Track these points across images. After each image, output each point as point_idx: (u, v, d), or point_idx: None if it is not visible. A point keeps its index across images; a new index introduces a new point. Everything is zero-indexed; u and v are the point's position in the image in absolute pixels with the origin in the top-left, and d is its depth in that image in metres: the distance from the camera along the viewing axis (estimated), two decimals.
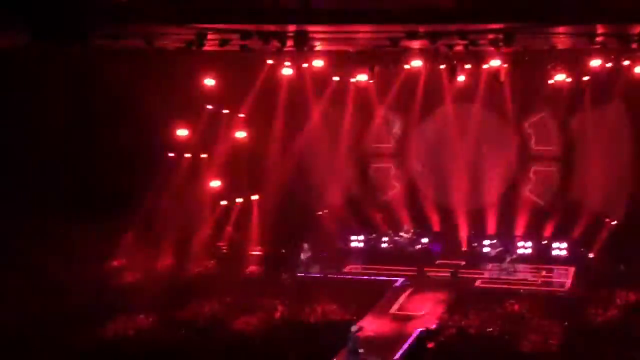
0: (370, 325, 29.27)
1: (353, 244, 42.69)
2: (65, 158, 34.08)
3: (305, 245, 38.65)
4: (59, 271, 31.67)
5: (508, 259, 38.12)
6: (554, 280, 37.32)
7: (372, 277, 37.84)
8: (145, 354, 25.94)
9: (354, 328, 26.29)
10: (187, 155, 39.19)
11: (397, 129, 43.18)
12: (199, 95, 38.08)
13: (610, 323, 29.33)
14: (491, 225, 41.74)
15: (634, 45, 30.66)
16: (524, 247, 40.43)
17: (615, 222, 39.00)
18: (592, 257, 39.15)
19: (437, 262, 40.19)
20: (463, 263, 39.80)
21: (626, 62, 33.11)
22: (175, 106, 36.99)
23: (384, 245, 42.35)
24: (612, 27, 28.80)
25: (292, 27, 29.20)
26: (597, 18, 26.41)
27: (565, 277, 37.57)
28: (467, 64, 35.95)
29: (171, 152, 38.78)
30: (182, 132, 38.46)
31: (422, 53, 34.12)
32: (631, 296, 31.75)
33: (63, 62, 31.48)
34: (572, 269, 38.31)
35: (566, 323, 28.88)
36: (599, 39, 30.31)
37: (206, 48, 30.90)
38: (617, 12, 25.58)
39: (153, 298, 31.36)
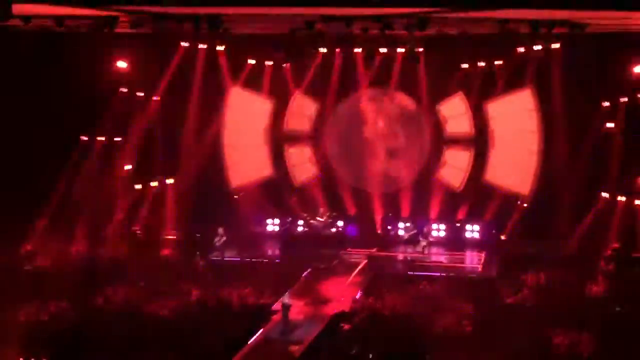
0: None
1: (269, 228, 42.72)
2: None
3: (220, 230, 38.52)
4: None
5: (423, 243, 38.57)
6: (466, 262, 37.93)
7: (288, 261, 37.87)
8: (58, 339, 25.58)
9: (286, 300, 26.60)
10: (101, 138, 38.69)
11: (312, 112, 43.18)
12: (112, 78, 37.63)
13: (522, 303, 29.89)
14: (405, 209, 42.12)
15: (544, 30, 31.31)
16: (438, 230, 40.97)
17: (526, 204, 39.67)
18: (504, 239, 39.83)
19: (353, 245, 40.41)
20: (378, 246, 40.08)
21: (537, 47, 33.64)
22: (88, 89, 36.47)
23: (299, 229, 42.46)
24: (523, 13, 29.28)
25: (206, 9, 28.99)
26: (508, 3, 26.79)
27: (477, 259, 38.23)
28: (381, 48, 36.14)
29: (84, 135, 38.24)
30: (95, 116, 37.96)
31: (337, 37, 34.24)
32: (541, 277, 32.36)
33: None
34: (484, 251, 38.97)
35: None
36: (510, 25, 30.86)
37: (118, 30, 30.57)
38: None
39: (66, 283, 30.92)
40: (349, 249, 39.57)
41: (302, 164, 43.33)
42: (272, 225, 42.80)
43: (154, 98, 40.24)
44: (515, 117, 39.90)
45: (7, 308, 28.41)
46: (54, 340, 25.61)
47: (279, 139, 43.18)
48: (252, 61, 40.47)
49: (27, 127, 34.76)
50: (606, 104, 37.71)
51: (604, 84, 36.72)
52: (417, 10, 28.82)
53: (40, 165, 35.26)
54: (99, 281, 31.88)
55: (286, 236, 42.01)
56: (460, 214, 41.45)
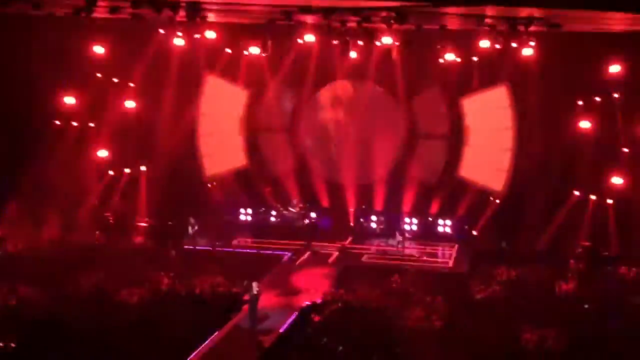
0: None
1: (241, 217, 42.69)
2: None
3: (192, 219, 38.44)
4: None
5: (397, 238, 38.63)
6: (438, 256, 38.11)
7: (260, 251, 37.87)
8: (26, 324, 25.40)
9: (255, 288, 26.62)
10: (75, 123, 38.49)
11: (288, 103, 43.17)
12: (87, 63, 37.44)
13: (492, 298, 30.04)
14: (379, 202, 42.21)
15: (521, 28, 31.43)
16: (410, 224, 41.08)
17: (498, 200, 39.85)
18: (476, 235, 40.01)
19: (325, 237, 40.48)
20: (350, 238, 40.17)
21: (514, 45, 33.75)
22: (62, 73, 36.29)
23: (272, 219, 42.47)
24: (500, 10, 29.39)
25: None
26: (487, 0, 26.90)
27: (449, 254, 38.40)
28: (359, 40, 36.14)
29: (58, 120, 38.04)
30: (69, 100, 37.83)
31: (315, 28, 34.21)
32: (512, 272, 32.55)
33: None
34: (456, 246, 39.16)
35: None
36: (487, 20, 30.96)
37: (96, 15, 30.37)
38: None
39: (37, 268, 30.73)
40: (321, 241, 39.59)
41: (277, 154, 43.28)
42: (245, 215, 42.80)
43: (130, 84, 40.04)
44: (490, 114, 40.10)
45: None
46: (22, 325, 25.42)
47: (254, 129, 43.13)
48: (229, 50, 40.34)
49: (1, 111, 34.51)
50: (580, 102, 37.89)
51: (579, 83, 36.92)
52: (395, 4, 28.84)
53: (12, 150, 35.02)
54: (70, 267, 31.68)
55: (259, 226, 41.96)
56: (433, 209, 41.57)
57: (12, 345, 23.73)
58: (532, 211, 38.00)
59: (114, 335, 24.75)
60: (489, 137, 40.28)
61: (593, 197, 37.48)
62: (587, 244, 36.06)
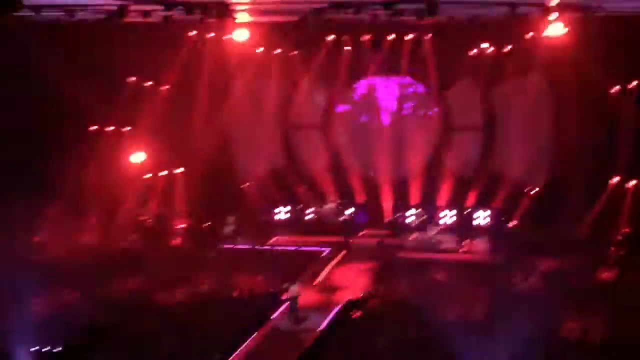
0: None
1: (278, 216, 42.74)
2: None
3: (230, 218, 38.52)
4: None
5: (434, 230, 38.47)
6: (476, 248, 37.91)
7: (298, 249, 37.88)
8: (70, 330, 25.60)
9: (294, 288, 26.68)
10: (110, 128, 38.69)
11: (321, 100, 43.15)
12: (121, 67, 37.65)
13: (532, 289, 29.84)
14: (415, 196, 42.07)
15: (554, 13, 31.10)
16: (447, 217, 40.89)
17: (535, 190, 39.57)
18: (513, 226, 39.72)
19: (362, 232, 40.46)
20: (387, 233, 40.06)
21: (547, 32, 33.44)
22: (97, 79, 36.49)
23: (309, 216, 42.47)
24: None
25: None
26: None
27: (487, 246, 38.17)
28: (390, 34, 36.07)
29: (94, 125, 38.26)
30: (104, 105, 38.01)
31: (346, 24, 34.16)
32: (552, 262, 32.32)
33: None
34: (494, 238, 38.90)
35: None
36: (520, 9, 30.73)
37: (128, 20, 30.52)
38: None
39: (77, 273, 30.94)
40: (359, 237, 39.54)
41: (311, 152, 43.27)
42: (282, 213, 42.82)
43: (163, 87, 40.21)
44: (525, 103, 39.74)
45: (19, 299, 28.43)
46: (67, 331, 25.63)
47: (288, 127, 43.14)
48: (260, 49, 40.37)
49: (38, 117, 34.78)
50: (617, 87, 37.52)
51: (616, 67, 36.48)
52: None
53: (50, 156, 35.28)
54: (109, 271, 31.90)
55: (296, 224, 41.99)
56: (470, 201, 41.37)
57: (59, 349, 23.95)
58: (571, 199, 37.66)
59: (155, 338, 24.89)
60: (524, 126, 39.92)
61: (632, 182, 37.10)
62: (627, 230, 35.70)
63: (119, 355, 23.57)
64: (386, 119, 42.52)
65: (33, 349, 23.90)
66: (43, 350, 23.92)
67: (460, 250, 37.58)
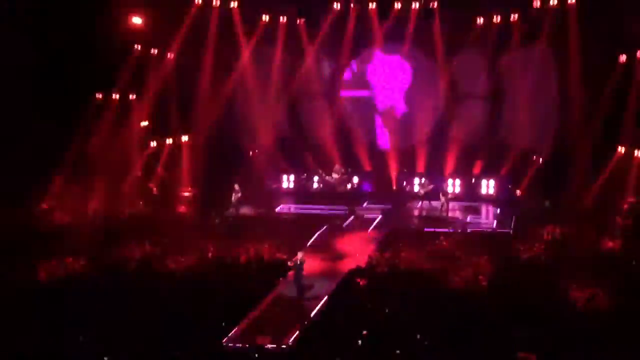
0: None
1: (284, 184, 42.79)
2: None
3: (236, 186, 38.59)
4: None
5: (441, 200, 38.48)
6: (482, 217, 37.95)
7: (303, 217, 37.92)
8: (76, 296, 25.73)
9: (299, 256, 26.74)
10: (116, 96, 38.65)
11: (327, 68, 43.05)
12: (126, 35, 37.54)
13: (538, 258, 29.89)
14: (421, 165, 42.06)
15: None
16: (453, 186, 40.90)
17: (542, 159, 39.54)
18: (520, 194, 39.73)
19: (368, 201, 40.49)
20: (393, 202, 40.10)
21: (554, 2, 33.32)
22: (102, 46, 36.38)
23: (315, 185, 42.52)
24: None
25: None
26: None
27: (493, 215, 38.22)
28: (397, 3, 35.88)
29: (99, 92, 38.21)
30: (110, 72, 37.92)
31: None
32: (557, 231, 32.36)
33: None
34: (499, 207, 38.94)
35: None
36: None
37: None
38: None
39: (83, 240, 31.04)
40: (364, 205, 39.61)
41: (317, 120, 43.22)
42: (288, 181, 42.87)
43: (169, 55, 40.12)
44: (531, 72, 39.61)
45: (25, 266, 28.59)
46: (72, 296, 25.75)
47: (294, 96, 43.07)
48: (266, 18, 40.25)
49: (43, 85, 34.72)
50: (623, 57, 37.37)
51: (620, 38, 36.33)
52: None
53: (56, 124, 35.26)
54: (116, 238, 32.02)
55: (302, 192, 42.05)
56: (476, 169, 41.37)
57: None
58: (577, 169, 37.61)
59: (161, 305, 24.99)
60: (530, 96, 39.80)
61: (638, 152, 37.01)
62: (632, 200, 35.66)
63: (124, 321, 23.65)
64: (392, 88, 42.40)
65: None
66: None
67: (467, 219, 37.60)
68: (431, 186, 39.99)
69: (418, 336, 22.29)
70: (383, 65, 42.53)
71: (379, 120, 42.88)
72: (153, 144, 40.37)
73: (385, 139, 42.84)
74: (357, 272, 28.81)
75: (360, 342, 22.24)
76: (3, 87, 33.09)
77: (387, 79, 42.52)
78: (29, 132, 34.04)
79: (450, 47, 40.86)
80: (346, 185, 41.64)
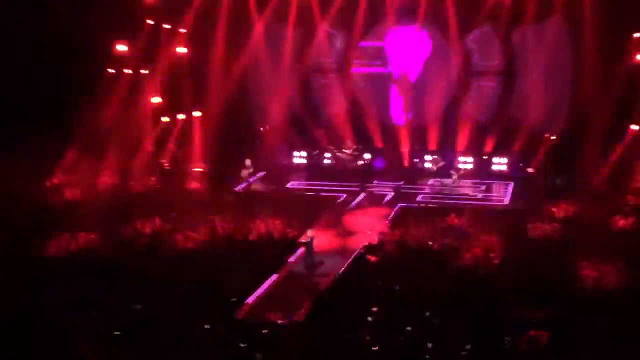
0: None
1: (295, 160, 42.73)
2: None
3: (248, 162, 38.54)
4: None
5: (452, 176, 38.36)
6: (494, 194, 37.84)
7: (314, 194, 37.90)
8: (87, 271, 25.81)
9: (309, 234, 26.74)
10: (128, 71, 38.59)
11: (339, 44, 42.86)
12: (139, 9, 37.44)
13: (549, 235, 29.82)
14: (433, 141, 41.91)
15: None
16: (465, 163, 40.75)
17: (554, 137, 39.36)
18: (532, 172, 39.58)
19: (380, 177, 40.39)
20: (405, 179, 40.01)
21: None
22: (114, 21, 36.30)
23: (326, 161, 42.44)
24: None
25: None
26: None
27: (505, 192, 38.10)
28: None
29: (111, 67, 38.16)
30: (121, 47, 37.86)
31: None
32: (569, 209, 32.25)
33: None
34: (512, 184, 38.82)
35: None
36: None
37: None
38: None
39: (95, 215, 31.09)
40: (376, 182, 39.55)
41: (329, 96, 43.09)
42: (299, 157, 42.81)
43: (181, 30, 40.00)
44: (544, 48, 39.35)
45: (36, 241, 28.66)
46: (83, 272, 25.82)
47: (306, 72, 42.92)
48: None
49: (54, 59, 34.70)
50: (637, 35, 37.08)
51: (634, 15, 36.04)
52: None
53: (67, 99, 35.26)
54: (126, 213, 32.06)
55: (313, 168, 42.00)
56: (488, 147, 41.19)
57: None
58: (589, 147, 37.40)
59: (171, 280, 25.03)
60: (543, 72, 39.56)
61: None
62: None
63: (134, 297, 23.70)
64: (405, 65, 42.20)
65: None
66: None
67: (478, 197, 37.50)
68: (443, 163, 39.90)
69: (427, 313, 22.27)
70: (399, 37, 42.20)
71: (394, 90, 42.62)
72: (165, 119, 40.32)
73: (399, 113, 42.60)
74: (368, 249, 28.80)
75: (370, 318, 22.24)
76: (11, 60, 33.18)
77: (405, 49, 42.17)
78: (40, 107, 34.08)
79: (464, 22, 40.61)
80: (357, 162, 41.51)
